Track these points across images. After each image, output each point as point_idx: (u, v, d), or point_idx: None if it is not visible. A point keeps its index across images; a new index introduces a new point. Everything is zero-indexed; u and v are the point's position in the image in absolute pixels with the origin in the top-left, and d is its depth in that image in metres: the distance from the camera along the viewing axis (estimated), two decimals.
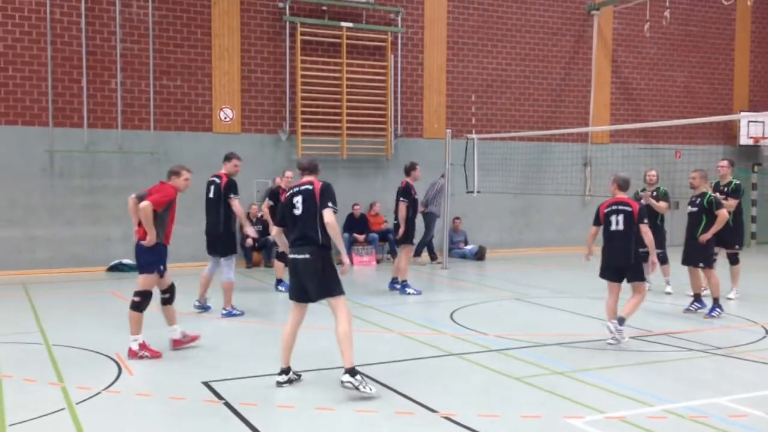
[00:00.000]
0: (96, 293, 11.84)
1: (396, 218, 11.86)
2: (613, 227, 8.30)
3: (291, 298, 6.57)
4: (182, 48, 14.94)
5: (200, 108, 15.15)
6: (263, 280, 13.22)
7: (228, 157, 9.86)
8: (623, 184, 8.44)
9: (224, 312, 9.64)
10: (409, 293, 11.50)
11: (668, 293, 11.56)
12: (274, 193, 11.85)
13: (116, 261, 14.27)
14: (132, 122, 14.62)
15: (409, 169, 11.77)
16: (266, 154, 15.68)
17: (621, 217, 8.25)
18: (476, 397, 6.32)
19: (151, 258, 7.45)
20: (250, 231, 10.39)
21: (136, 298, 7.43)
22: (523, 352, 7.86)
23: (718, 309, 9.83)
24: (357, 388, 6.07)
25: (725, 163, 11.11)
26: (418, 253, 15.98)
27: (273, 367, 6.76)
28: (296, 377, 6.69)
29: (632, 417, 5.75)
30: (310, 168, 6.61)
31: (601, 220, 8.46)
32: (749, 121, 19.76)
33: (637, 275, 8.35)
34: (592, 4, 18.64)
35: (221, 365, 7.28)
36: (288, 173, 12.06)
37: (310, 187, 6.41)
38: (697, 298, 10.20)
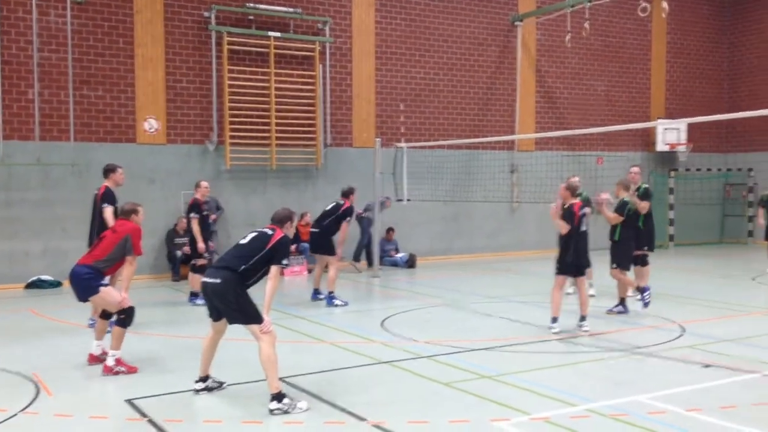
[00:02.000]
0: (13, 311, 11.37)
1: (319, 230, 11.95)
2: (583, 228, 9.34)
3: (209, 316, 6.52)
4: (104, 57, 14.54)
5: (123, 118, 14.77)
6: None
7: (112, 169, 9.60)
8: (575, 190, 9.44)
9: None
10: (336, 305, 11.46)
11: (591, 296, 11.86)
12: (196, 207, 11.57)
13: (35, 277, 13.72)
14: (51, 133, 14.12)
15: (349, 193, 12.04)
16: (193, 164, 15.40)
17: (585, 219, 9.41)
18: (406, 404, 6.35)
19: (94, 281, 7.39)
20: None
21: (122, 315, 7.43)
22: (453, 358, 7.95)
23: (621, 307, 10.51)
24: (287, 412, 6.01)
25: (636, 169, 11.58)
26: (357, 258, 16.20)
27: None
28: (217, 384, 6.68)
29: (556, 417, 5.89)
30: (276, 220, 6.54)
31: (576, 221, 9.17)
32: (665, 128, 20.57)
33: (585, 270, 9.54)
34: (516, 15, 19.08)
35: (144, 381, 7.10)
36: (203, 183, 11.83)
37: (270, 232, 6.39)
38: (622, 301, 10.59)
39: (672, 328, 9.53)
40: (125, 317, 7.43)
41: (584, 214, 9.28)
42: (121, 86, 14.72)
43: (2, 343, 8.92)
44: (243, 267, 6.19)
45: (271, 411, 6.01)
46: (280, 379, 6.26)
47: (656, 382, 6.98)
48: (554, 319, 9.14)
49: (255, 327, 6.14)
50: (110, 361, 7.32)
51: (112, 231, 7.69)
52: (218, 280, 6.19)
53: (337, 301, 11.51)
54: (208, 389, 6.63)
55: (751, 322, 10.16)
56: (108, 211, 9.29)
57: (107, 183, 9.54)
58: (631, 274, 10.72)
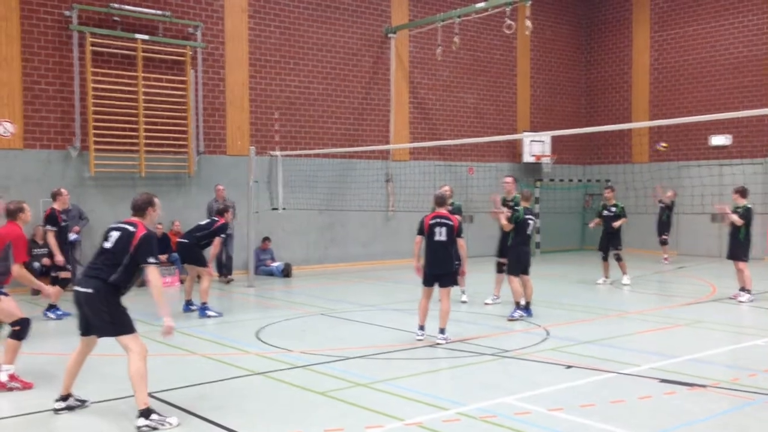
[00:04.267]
0: None
1: (189, 241, 11.81)
2: (437, 238, 9.13)
3: (78, 328, 6.20)
4: None
5: None
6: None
7: None
8: (440, 200, 9.41)
9: None
10: (209, 316, 11.20)
11: (464, 302, 12.26)
12: (53, 218, 10.97)
13: None
14: None
15: (224, 211, 12.05)
16: (54, 171, 14.54)
17: (444, 230, 9.12)
18: (280, 415, 6.29)
19: None
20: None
21: (16, 327, 7.10)
22: (328, 367, 7.95)
23: (519, 311, 10.87)
24: (156, 429, 5.79)
25: (510, 179, 12.07)
26: (219, 272, 15.83)
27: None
28: (79, 403, 6.36)
29: (429, 422, 6.03)
30: (135, 207, 6.23)
31: (426, 230, 9.18)
32: (531, 141, 21.59)
33: (451, 281, 9.26)
34: (389, 27, 19.42)
35: (2, 402, 6.63)
36: (63, 192, 11.30)
37: (132, 229, 6.05)
38: (527, 305, 11.07)
39: (537, 331, 9.99)
40: (20, 329, 7.11)
41: (437, 224, 9.11)
42: None
43: None
44: (113, 277, 5.92)
45: (139, 428, 5.77)
46: (149, 394, 6.04)
47: (522, 384, 7.29)
48: (421, 327, 9.25)
49: (126, 339, 5.89)
50: (3, 377, 6.90)
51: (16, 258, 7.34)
52: (90, 290, 5.91)
53: (210, 312, 11.24)
54: (70, 408, 6.27)
55: (607, 324, 10.84)
56: None
57: None
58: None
